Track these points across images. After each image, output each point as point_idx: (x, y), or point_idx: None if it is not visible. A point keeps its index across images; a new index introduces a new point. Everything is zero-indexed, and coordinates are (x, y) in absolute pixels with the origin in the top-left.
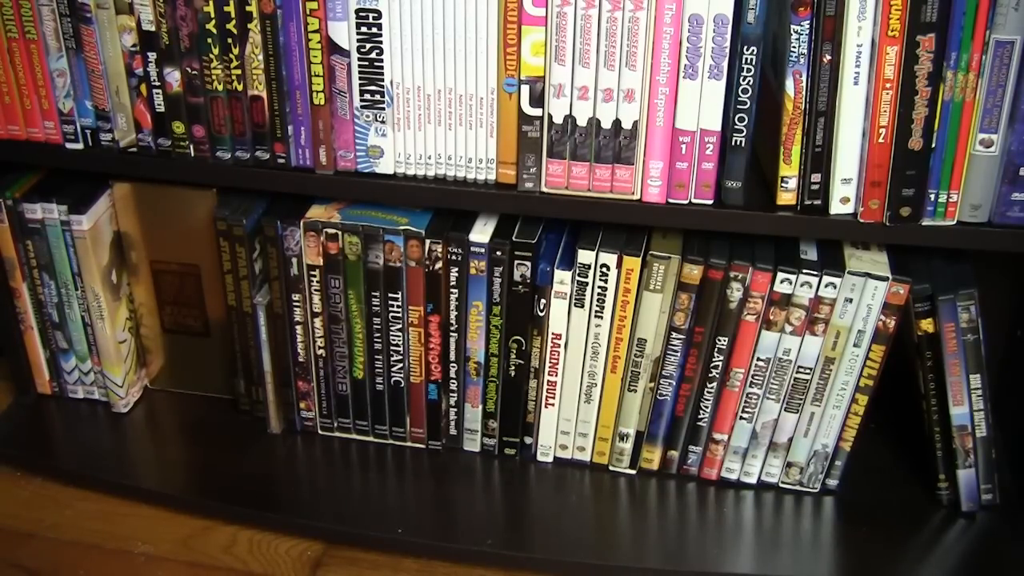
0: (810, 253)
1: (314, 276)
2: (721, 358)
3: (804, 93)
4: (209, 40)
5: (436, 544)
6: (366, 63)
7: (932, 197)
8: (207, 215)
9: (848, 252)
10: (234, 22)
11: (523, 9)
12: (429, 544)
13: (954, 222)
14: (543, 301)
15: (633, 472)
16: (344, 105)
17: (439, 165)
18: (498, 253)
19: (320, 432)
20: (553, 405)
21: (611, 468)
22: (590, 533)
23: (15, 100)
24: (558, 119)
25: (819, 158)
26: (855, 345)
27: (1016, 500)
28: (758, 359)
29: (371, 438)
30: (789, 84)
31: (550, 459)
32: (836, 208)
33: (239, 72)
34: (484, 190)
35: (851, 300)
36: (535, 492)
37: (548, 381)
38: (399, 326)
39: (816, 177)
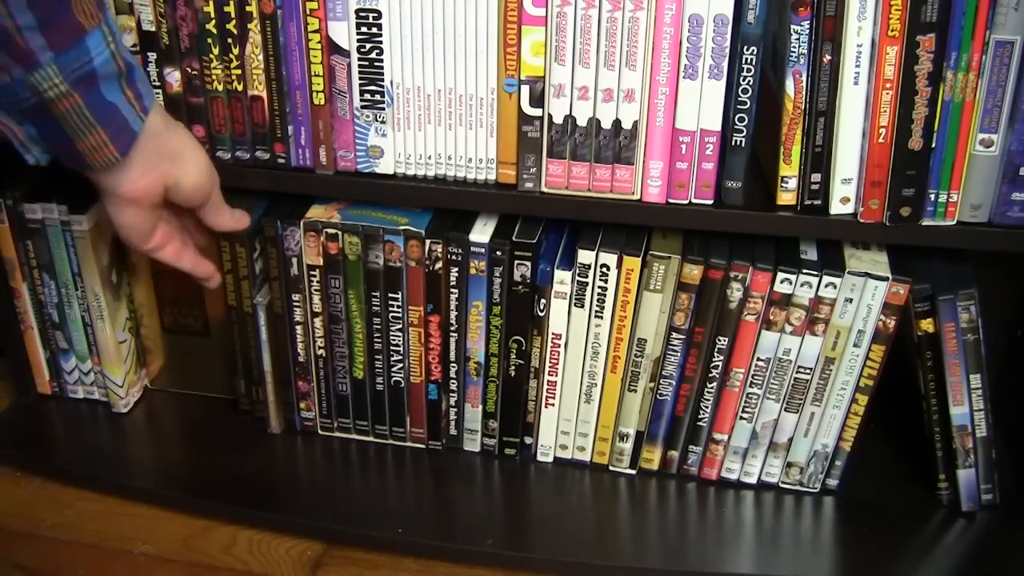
0: (810, 253)
1: (314, 276)
2: (721, 358)
3: (804, 93)
4: (209, 40)
5: (436, 544)
6: (366, 63)
7: (932, 197)
8: None
9: (848, 252)
10: (234, 22)
11: (523, 9)
12: (429, 544)
13: (954, 222)
14: (543, 301)
15: (633, 472)
16: (344, 105)
17: (439, 165)
18: (498, 253)
19: (320, 432)
20: (553, 405)
21: (611, 468)
22: (590, 533)
23: None
24: (558, 119)
25: (819, 158)
26: (855, 345)
27: (1016, 500)
28: (758, 359)
29: (371, 438)
30: (789, 84)
31: (550, 459)
32: (836, 208)
33: (239, 72)
34: (484, 190)
35: (851, 300)
36: (535, 492)
37: (548, 381)
38: (399, 326)
39: (816, 177)
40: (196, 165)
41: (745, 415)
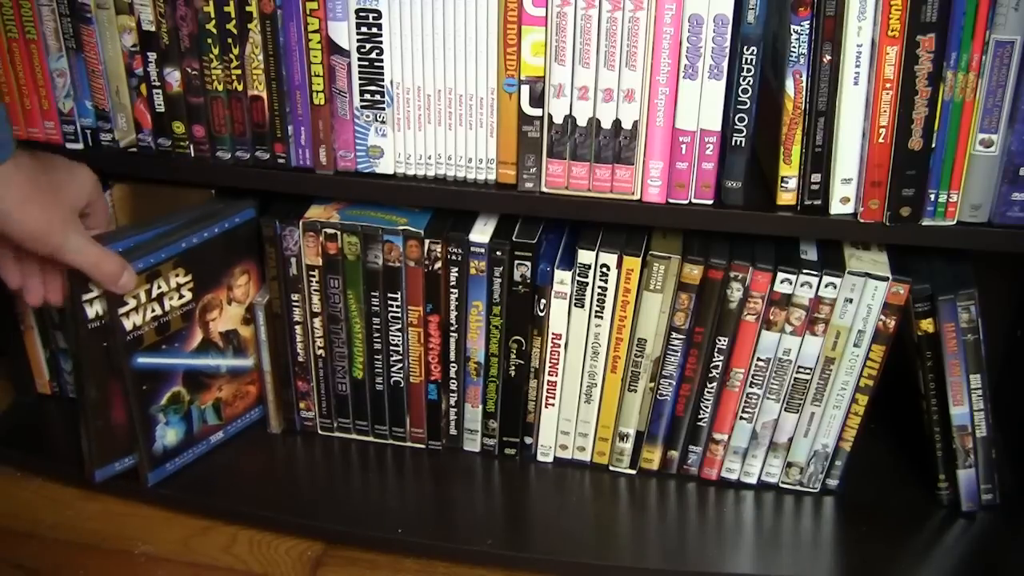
0: (810, 253)
1: (313, 276)
2: (721, 358)
3: (804, 93)
4: (209, 40)
5: (436, 544)
6: (366, 63)
7: (932, 197)
8: None
9: (848, 252)
10: (234, 22)
11: (523, 9)
12: (429, 544)
13: (954, 222)
14: (543, 301)
15: (633, 472)
16: (344, 105)
17: (439, 165)
18: (498, 253)
19: (320, 432)
20: (553, 405)
21: (611, 468)
22: (590, 533)
23: (15, 100)
24: (558, 119)
25: (819, 158)
26: (855, 345)
27: (1016, 500)
28: (758, 359)
29: (371, 438)
30: (789, 84)
31: (550, 459)
32: (836, 208)
33: (239, 72)
34: (484, 190)
35: (851, 300)
36: (535, 492)
37: (548, 381)
38: (399, 326)
39: (816, 177)
40: (25, 226)
41: (745, 415)
